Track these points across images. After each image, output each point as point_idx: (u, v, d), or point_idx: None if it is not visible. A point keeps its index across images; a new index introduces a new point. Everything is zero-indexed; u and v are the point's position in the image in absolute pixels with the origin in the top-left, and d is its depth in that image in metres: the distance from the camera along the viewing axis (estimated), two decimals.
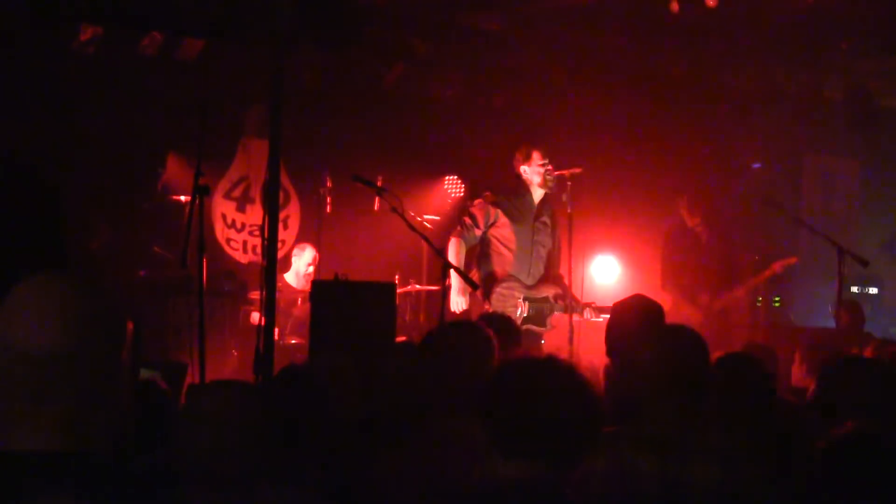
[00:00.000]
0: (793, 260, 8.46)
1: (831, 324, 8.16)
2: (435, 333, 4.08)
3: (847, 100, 9.63)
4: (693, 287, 8.57)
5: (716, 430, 2.91)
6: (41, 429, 1.78)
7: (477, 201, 7.37)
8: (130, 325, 1.91)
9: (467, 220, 7.24)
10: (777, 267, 8.46)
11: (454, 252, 7.04)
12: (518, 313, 7.06)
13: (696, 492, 2.73)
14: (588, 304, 7.15)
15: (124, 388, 1.89)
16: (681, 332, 3.15)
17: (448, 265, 6.19)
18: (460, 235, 7.18)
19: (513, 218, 7.24)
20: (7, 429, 1.79)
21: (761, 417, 3.36)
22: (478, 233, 7.21)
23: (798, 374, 5.62)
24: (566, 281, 7.19)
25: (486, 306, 7.00)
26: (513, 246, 7.23)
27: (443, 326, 4.22)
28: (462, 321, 5.45)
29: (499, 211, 7.23)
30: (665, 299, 8.33)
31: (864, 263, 7.20)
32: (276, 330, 7.04)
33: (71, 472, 1.76)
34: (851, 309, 8.73)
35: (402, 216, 6.14)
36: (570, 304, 7.01)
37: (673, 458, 2.77)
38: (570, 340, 6.81)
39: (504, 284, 7.13)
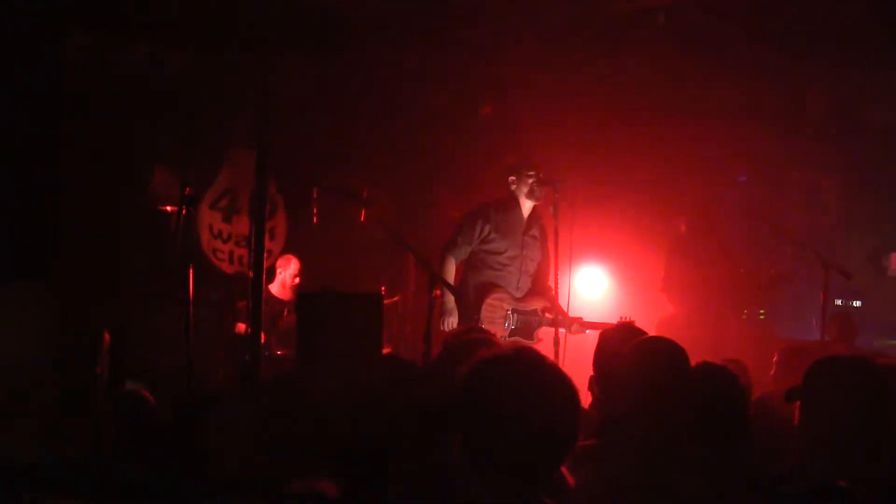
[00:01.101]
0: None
1: (816, 336, 8.19)
2: (449, 347, 4.13)
3: (831, 113, 9.70)
4: (691, 299, 8.59)
5: (698, 442, 2.90)
6: (15, 438, 1.78)
7: (466, 216, 7.39)
8: (107, 336, 1.92)
9: (458, 237, 7.26)
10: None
11: (447, 271, 7.08)
12: (506, 325, 7.09)
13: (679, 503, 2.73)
14: (576, 320, 7.16)
15: (101, 398, 1.89)
16: (660, 343, 3.15)
17: (436, 276, 6.20)
18: (452, 253, 7.21)
19: (502, 232, 7.26)
20: None
21: (738, 430, 3.36)
22: (468, 249, 7.25)
23: (775, 378, 5.66)
24: (554, 293, 7.22)
25: (475, 317, 7.03)
26: (503, 259, 7.27)
27: (454, 340, 4.25)
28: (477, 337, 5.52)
29: (488, 225, 7.25)
30: (665, 307, 8.39)
31: (849, 277, 7.23)
32: (262, 340, 7.04)
33: (46, 480, 1.75)
34: (843, 321, 8.76)
35: (389, 228, 6.17)
36: (558, 317, 7.03)
37: (657, 471, 2.76)
38: (556, 353, 6.83)
39: (493, 296, 7.16)
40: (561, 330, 6.95)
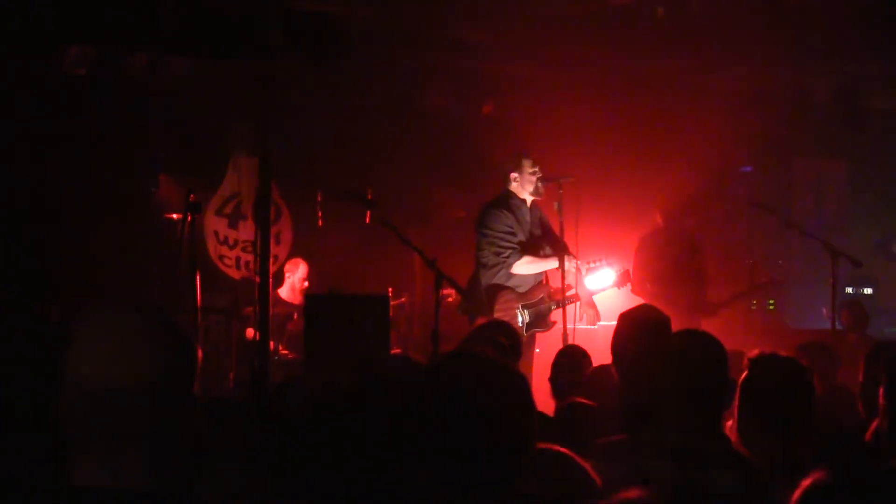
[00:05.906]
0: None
1: (826, 326, 8.14)
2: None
3: (835, 99, 9.66)
4: (668, 291, 8.30)
5: (744, 435, 2.87)
6: (124, 467, 1.71)
7: (490, 217, 7.16)
8: (200, 353, 1.85)
9: (502, 233, 7.12)
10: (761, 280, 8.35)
11: (534, 266, 7.10)
12: (520, 322, 7.06)
13: (716, 500, 2.68)
14: (579, 298, 7.17)
15: (196, 419, 1.83)
16: (698, 337, 3.08)
17: (442, 276, 6.17)
18: (516, 255, 7.10)
19: (519, 232, 7.20)
20: (89, 466, 1.71)
21: (801, 424, 3.28)
22: (522, 236, 7.16)
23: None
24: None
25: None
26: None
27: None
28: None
29: (510, 219, 7.14)
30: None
31: (858, 264, 7.16)
32: (272, 345, 7.03)
33: None
34: (854, 309, 8.67)
35: (394, 229, 6.15)
36: (566, 297, 7.00)
37: (692, 466, 2.69)
38: (565, 333, 6.83)
39: (500, 300, 7.06)
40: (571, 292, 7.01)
